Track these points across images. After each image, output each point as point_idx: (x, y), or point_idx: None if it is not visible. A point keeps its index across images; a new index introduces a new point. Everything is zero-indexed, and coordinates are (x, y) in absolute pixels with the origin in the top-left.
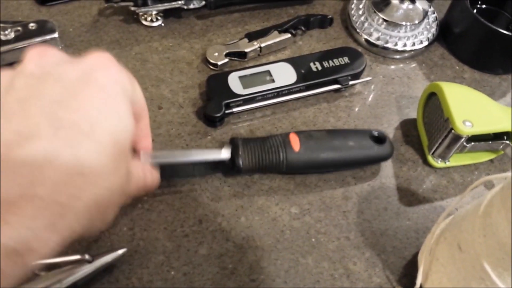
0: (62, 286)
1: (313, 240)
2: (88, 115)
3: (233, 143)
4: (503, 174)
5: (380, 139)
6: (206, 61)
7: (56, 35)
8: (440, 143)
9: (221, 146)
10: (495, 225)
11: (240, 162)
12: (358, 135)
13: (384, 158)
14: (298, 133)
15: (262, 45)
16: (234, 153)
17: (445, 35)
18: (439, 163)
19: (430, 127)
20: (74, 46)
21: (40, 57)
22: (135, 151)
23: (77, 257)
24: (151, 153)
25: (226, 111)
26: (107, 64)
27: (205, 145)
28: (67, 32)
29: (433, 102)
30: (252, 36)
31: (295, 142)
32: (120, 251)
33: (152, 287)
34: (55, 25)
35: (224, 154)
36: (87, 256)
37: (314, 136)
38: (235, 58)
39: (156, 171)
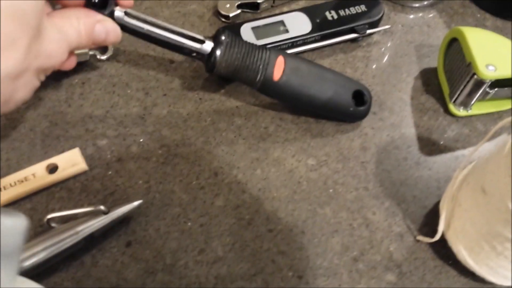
0: (79, 237)
1: (331, 190)
2: None
3: (217, 41)
4: None
5: (362, 100)
6: (217, 13)
7: None
8: (462, 90)
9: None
10: None
11: (216, 62)
12: (343, 88)
13: (355, 119)
14: (287, 58)
15: None
16: (214, 50)
17: None
18: (461, 112)
19: (451, 75)
20: None
21: None
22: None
23: (93, 208)
24: (128, 11)
25: None
26: None
27: (218, 98)
28: None
29: (454, 48)
30: None
31: (278, 69)
32: (136, 203)
33: (169, 237)
34: None
35: (205, 46)
36: (102, 207)
37: (300, 70)
38: (248, 10)
39: (117, 26)
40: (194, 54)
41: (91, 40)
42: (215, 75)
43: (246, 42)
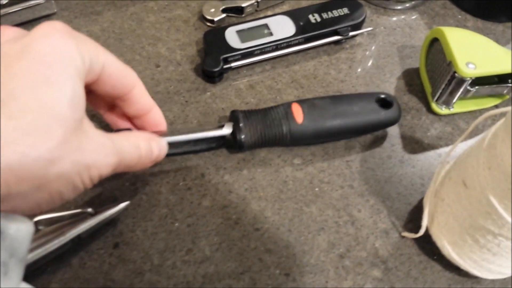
0: (66, 238)
1: (317, 189)
2: (12, 86)
3: (234, 118)
4: (507, 108)
5: (387, 102)
6: (202, 18)
7: None
8: (444, 89)
9: (221, 120)
10: (500, 156)
11: (243, 138)
12: (363, 100)
13: (392, 123)
14: (301, 102)
15: None
16: (235, 129)
17: None
18: (443, 110)
19: (433, 74)
20: (70, 9)
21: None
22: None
23: (80, 210)
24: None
25: (225, 66)
26: (50, 33)
27: (204, 101)
28: None
29: (435, 48)
30: None
31: (298, 114)
32: (123, 204)
33: (156, 238)
34: None
35: (226, 130)
36: (89, 209)
37: (318, 105)
38: (232, 14)
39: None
40: (221, 142)
41: (148, 157)
42: (245, 149)
43: (258, 109)
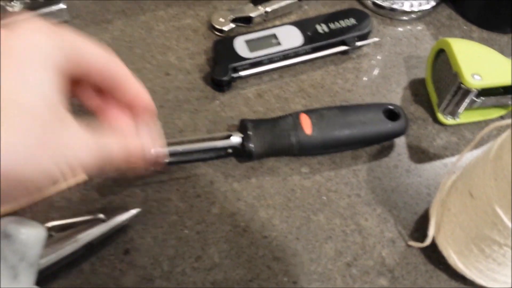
0: (78, 244)
1: (324, 198)
2: None
3: (243, 127)
4: None
5: (394, 114)
6: (211, 27)
7: (63, 5)
8: (450, 100)
9: (230, 128)
10: (506, 167)
11: (252, 147)
12: (371, 111)
13: (399, 134)
14: (309, 113)
15: (268, 9)
16: (245, 138)
17: None
18: (449, 120)
19: (439, 84)
20: (81, 17)
21: None
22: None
23: (92, 216)
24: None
25: (233, 75)
26: (26, 29)
27: (213, 109)
28: (73, 3)
29: (441, 59)
30: (257, 1)
31: (306, 124)
32: (134, 211)
33: (166, 245)
34: None
35: (235, 139)
36: (101, 216)
37: (326, 116)
38: (241, 24)
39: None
40: (230, 151)
41: (139, 157)
42: (253, 158)
43: (267, 119)
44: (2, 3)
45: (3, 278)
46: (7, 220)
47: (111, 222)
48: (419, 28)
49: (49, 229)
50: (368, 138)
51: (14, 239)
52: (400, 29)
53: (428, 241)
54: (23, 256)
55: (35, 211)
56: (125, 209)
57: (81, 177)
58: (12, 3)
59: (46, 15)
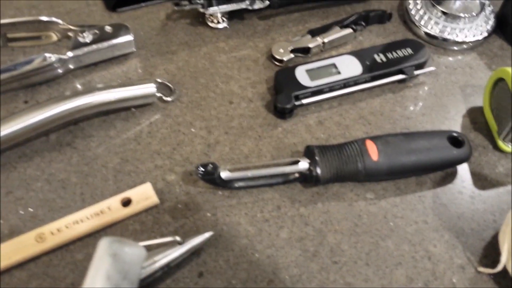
0: (156, 266)
1: (391, 223)
2: None
3: (310, 153)
4: None
5: (458, 141)
6: (271, 57)
7: (131, 37)
8: (511, 127)
9: (294, 154)
10: None
11: (319, 173)
12: (435, 138)
13: (463, 161)
14: (374, 139)
15: (325, 40)
16: (312, 164)
17: (502, 26)
18: (509, 148)
19: (499, 112)
20: (146, 48)
21: None
22: None
23: (170, 238)
24: (229, 166)
25: (295, 103)
26: None
27: (276, 136)
28: (138, 35)
29: (500, 88)
30: (314, 32)
31: (372, 150)
32: (207, 234)
33: (239, 268)
34: (130, 28)
35: (302, 165)
36: (178, 238)
37: (391, 142)
38: (299, 54)
39: None
40: (296, 176)
41: None
42: (320, 183)
43: (333, 145)
44: (71, 34)
45: None
46: (109, 240)
47: (187, 244)
48: (472, 57)
49: None
50: (433, 164)
51: (118, 258)
52: (453, 58)
53: (500, 267)
54: (126, 275)
55: (109, 234)
56: (197, 232)
57: (154, 200)
58: (83, 34)
59: (114, 46)
